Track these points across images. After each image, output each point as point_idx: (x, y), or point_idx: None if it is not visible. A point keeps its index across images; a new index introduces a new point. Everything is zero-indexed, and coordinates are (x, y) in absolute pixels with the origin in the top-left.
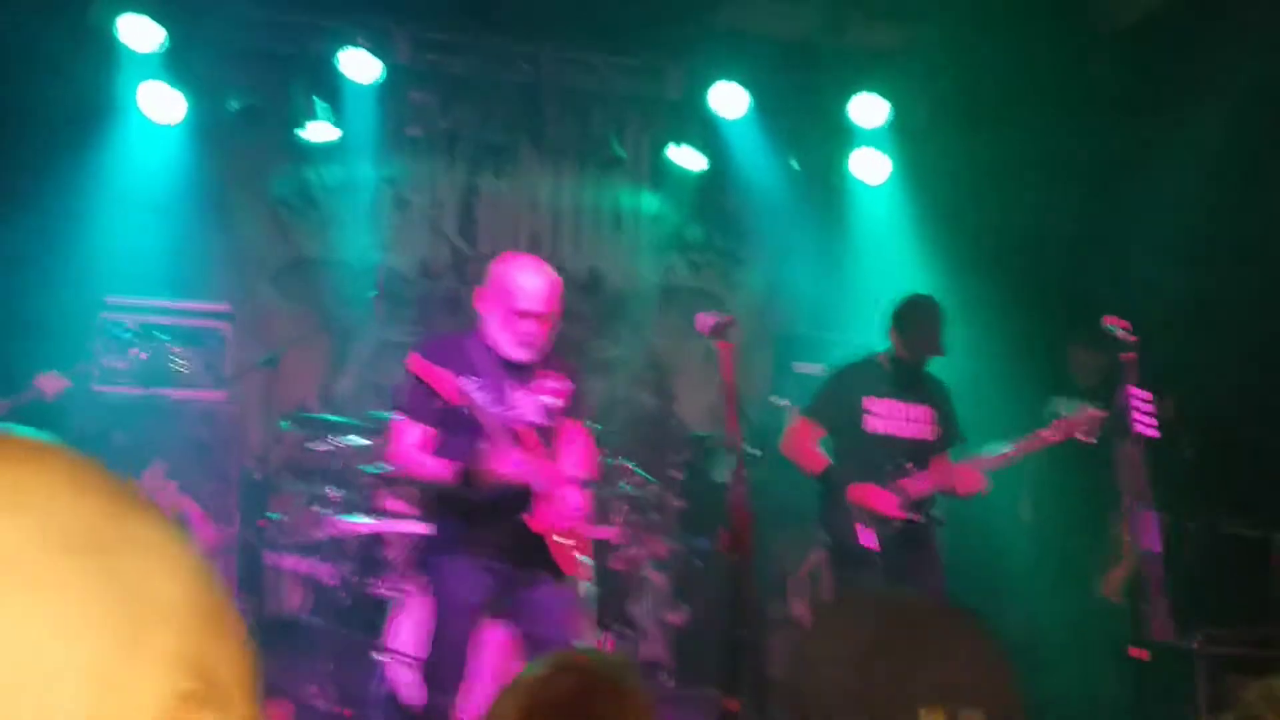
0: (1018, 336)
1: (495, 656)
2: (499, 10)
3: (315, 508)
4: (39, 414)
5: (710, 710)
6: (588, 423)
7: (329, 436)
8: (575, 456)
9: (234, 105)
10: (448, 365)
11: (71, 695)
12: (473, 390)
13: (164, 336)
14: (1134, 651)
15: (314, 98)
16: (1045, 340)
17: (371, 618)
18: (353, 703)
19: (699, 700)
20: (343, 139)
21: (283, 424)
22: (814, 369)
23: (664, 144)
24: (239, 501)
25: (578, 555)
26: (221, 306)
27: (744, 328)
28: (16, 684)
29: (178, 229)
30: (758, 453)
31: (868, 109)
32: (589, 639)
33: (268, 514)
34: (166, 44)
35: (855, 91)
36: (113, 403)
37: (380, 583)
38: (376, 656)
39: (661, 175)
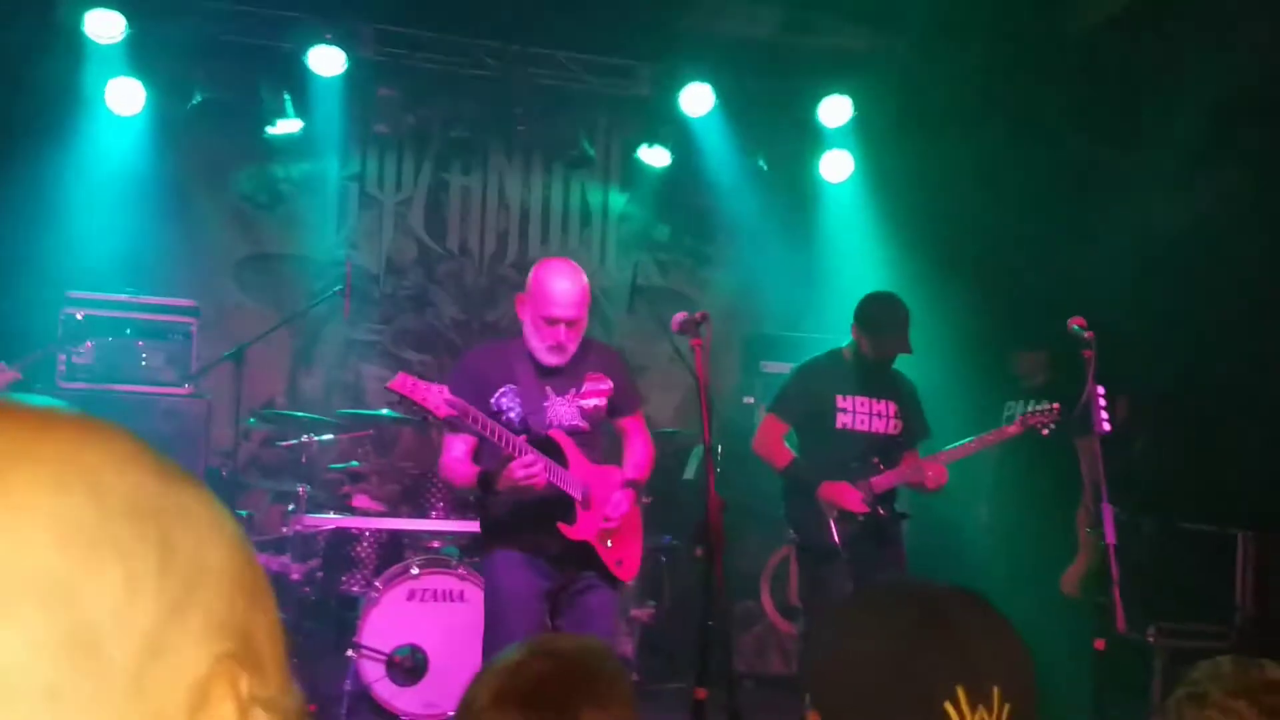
0: (975, 335)
1: None
2: (466, 7)
3: (283, 505)
4: None
5: (679, 704)
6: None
7: (297, 433)
8: (632, 458)
9: (198, 99)
10: (489, 374)
11: (125, 654)
12: (467, 405)
13: (128, 332)
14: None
15: (281, 92)
16: (1001, 340)
17: (340, 615)
18: (319, 699)
19: (668, 695)
20: (309, 134)
21: (250, 420)
22: (783, 368)
23: (633, 143)
24: None
25: (621, 560)
26: (186, 302)
27: (713, 327)
28: (74, 642)
29: (141, 223)
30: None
31: (833, 109)
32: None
33: (235, 511)
34: (127, 32)
35: (821, 92)
36: (76, 398)
37: (350, 580)
38: (348, 653)
39: (630, 174)
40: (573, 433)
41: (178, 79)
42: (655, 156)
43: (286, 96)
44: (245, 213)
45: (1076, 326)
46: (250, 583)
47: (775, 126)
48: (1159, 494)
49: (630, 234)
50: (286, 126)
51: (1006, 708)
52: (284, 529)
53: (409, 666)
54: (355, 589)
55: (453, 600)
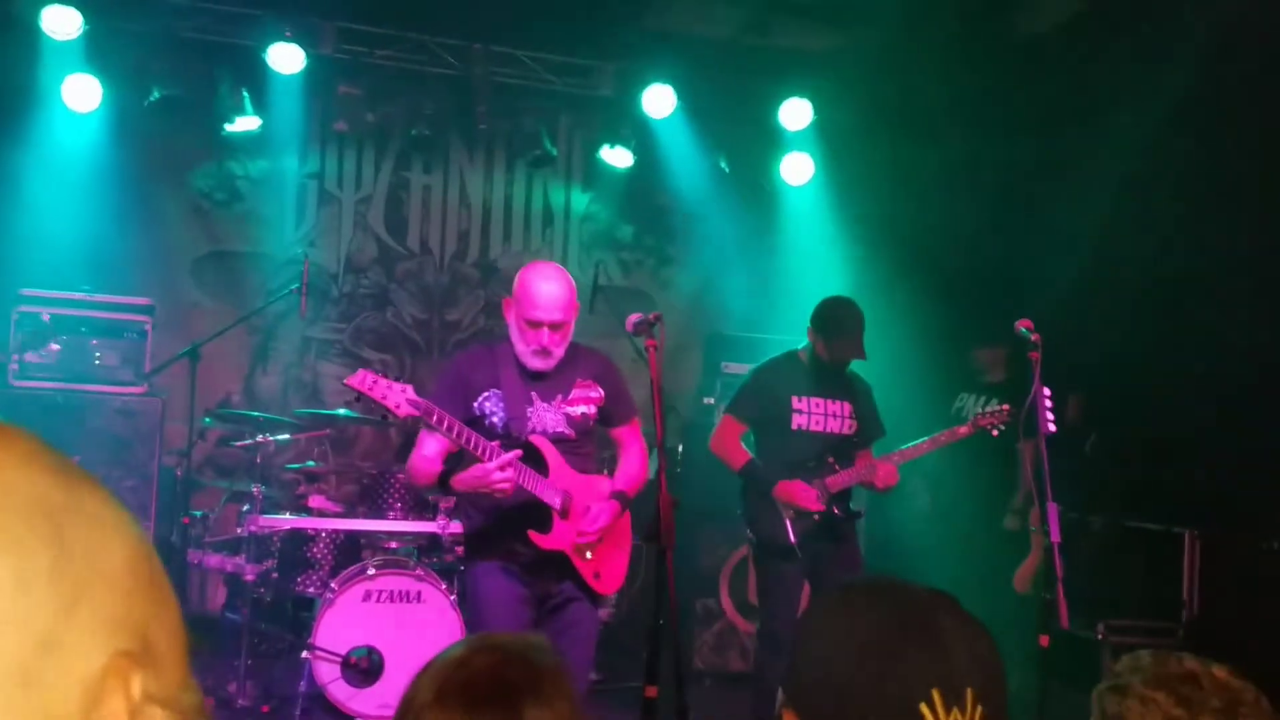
0: (934, 336)
1: None
2: (427, 5)
3: (238, 505)
4: None
5: (632, 702)
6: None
7: (253, 433)
8: (624, 469)
9: (155, 95)
10: (474, 377)
11: (13, 648)
12: (431, 405)
13: (82, 330)
14: (1042, 640)
15: (239, 90)
16: (959, 340)
17: (295, 615)
18: (273, 700)
19: (625, 694)
20: (267, 132)
21: (205, 420)
22: (743, 369)
23: (595, 142)
24: (158, 498)
25: (599, 573)
26: (141, 300)
27: (674, 328)
28: None
29: (98, 221)
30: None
31: (794, 112)
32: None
33: (190, 511)
34: (85, 28)
35: (782, 94)
36: (28, 397)
37: (306, 580)
38: (303, 654)
39: (592, 174)
40: (557, 440)
41: (135, 75)
42: (617, 157)
43: (245, 94)
44: (203, 210)
45: (1024, 329)
46: (150, 582)
47: (737, 128)
48: (1108, 493)
49: (593, 234)
50: (245, 124)
51: (979, 709)
52: (239, 529)
53: (364, 668)
54: (311, 590)
55: (409, 601)
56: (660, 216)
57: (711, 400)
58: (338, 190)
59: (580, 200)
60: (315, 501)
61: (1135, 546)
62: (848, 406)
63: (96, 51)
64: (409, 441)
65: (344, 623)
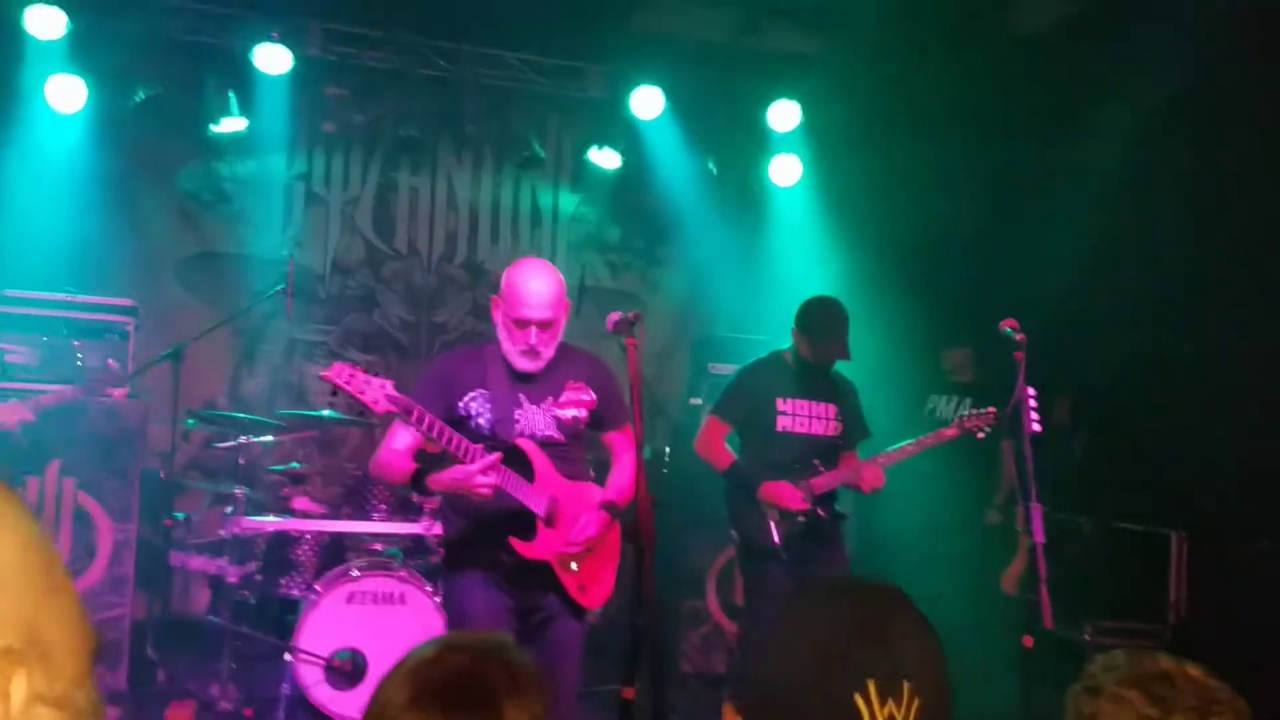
0: (921, 337)
1: None
2: (415, 6)
3: (222, 507)
4: None
5: (613, 705)
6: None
7: (237, 435)
8: (615, 477)
9: (140, 95)
10: (459, 376)
11: None
12: (410, 402)
13: (65, 331)
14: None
15: (226, 90)
16: (946, 341)
17: (278, 618)
18: (256, 703)
19: (606, 696)
20: (254, 133)
21: (189, 421)
22: (731, 370)
23: (583, 144)
24: (141, 500)
25: (584, 586)
26: (124, 301)
27: (662, 329)
28: None
29: (83, 222)
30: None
31: (782, 114)
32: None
33: (173, 513)
34: (69, 28)
35: (770, 95)
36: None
37: (289, 582)
38: (286, 657)
39: (581, 176)
40: (545, 444)
41: (120, 76)
42: (606, 159)
43: (231, 94)
44: (189, 211)
45: (1008, 329)
46: (42, 579)
47: (725, 130)
48: (1096, 494)
49: (581, 235)
50: (231, 125)
51: (916, 703)
52: (222, 531)
53: (348, 670)
54: (295, 592)
55: (393, 603)
56: (648, 218)
57: (699, 401)
58: (325, 191)
59: (568, 202)
60: (299, 503)
61: (1123, 548)
62: (832, 408)
63: (81, 52)
64: None
65: (327, 625)
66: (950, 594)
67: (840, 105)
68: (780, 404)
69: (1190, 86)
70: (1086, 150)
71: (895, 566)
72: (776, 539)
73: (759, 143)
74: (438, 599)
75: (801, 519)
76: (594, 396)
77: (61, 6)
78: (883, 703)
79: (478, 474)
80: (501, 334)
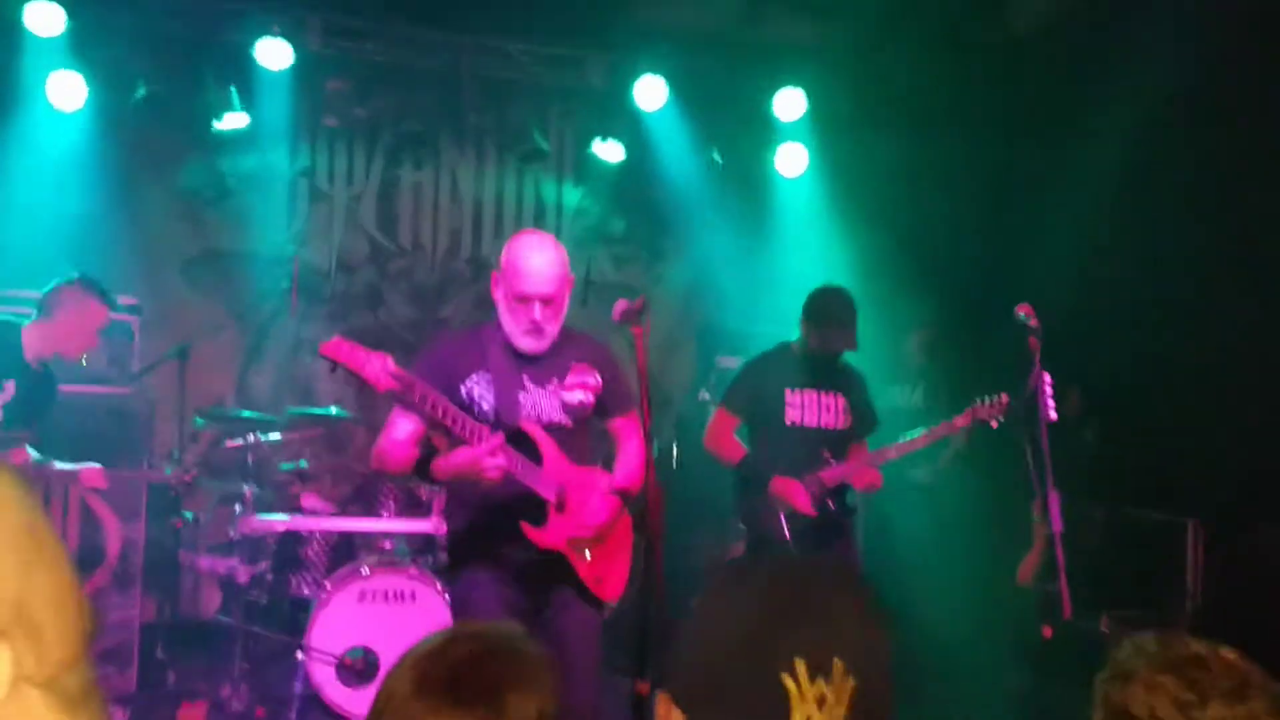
0: (930, 327)
1: None
2: None
3: (230, 506)
4: None
5: (622, 697)
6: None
7: (245, 433)
8: (623, 464)
9: (141, 92)
10: (458, 359)
11: None
12: (413, 379)
13: None
14: (1045, 631)
15: (227, 86)
16: (954, 331)
17: (289, 617)
18: (268, 702)
19: (611, 689)
20: (257, 128)
21: (197, 420)
22: (737, 362)
23: (586, 136)
24: (147, 500)
25: (601, 578)
26: (127, 299)
27: (668, 322)
28: None
29: (85, 220)
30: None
31: (788, 102)
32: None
33: (182, 513)
34: (68, 25)
35: (775, 84)
36: None
37: (300, 581)
38: (298, 656)
39: (584, 168)
40: (552, 428)
41: (121, 72)
42: (609, 150)
43: (233, 90)
44: (192, 208)
45: (1022, 314)
46: (29, 554)
47: (730, 120)
48: (1110, 484)
49: (585, 228)
50: (233, 120)
51: (850, 681)
52: (231, 531)
53: (360, 668)
54: (305, 591)
55: (404, 600)
56: (653, 210)
57: (706, 395)
58: (329, 187)
59: (572, 195)
60: (308, 501)
61: (1138, 537)
62: (841, 399)
63: (80, 48)
64: None
65: (338, 623)
66: (964, 585)
67: (846, 93)
68: (789, 395)
69: (1191, 79)
70: (1095, 139)
71: (906, 559)
72: (787, 533)
73: (764, 133)
74: (448, 596)
75: (813, 512)
76: (599, 380)
77: (60, 2)
78: (812, 680)
79: (485, 455)
80: (503, 313)
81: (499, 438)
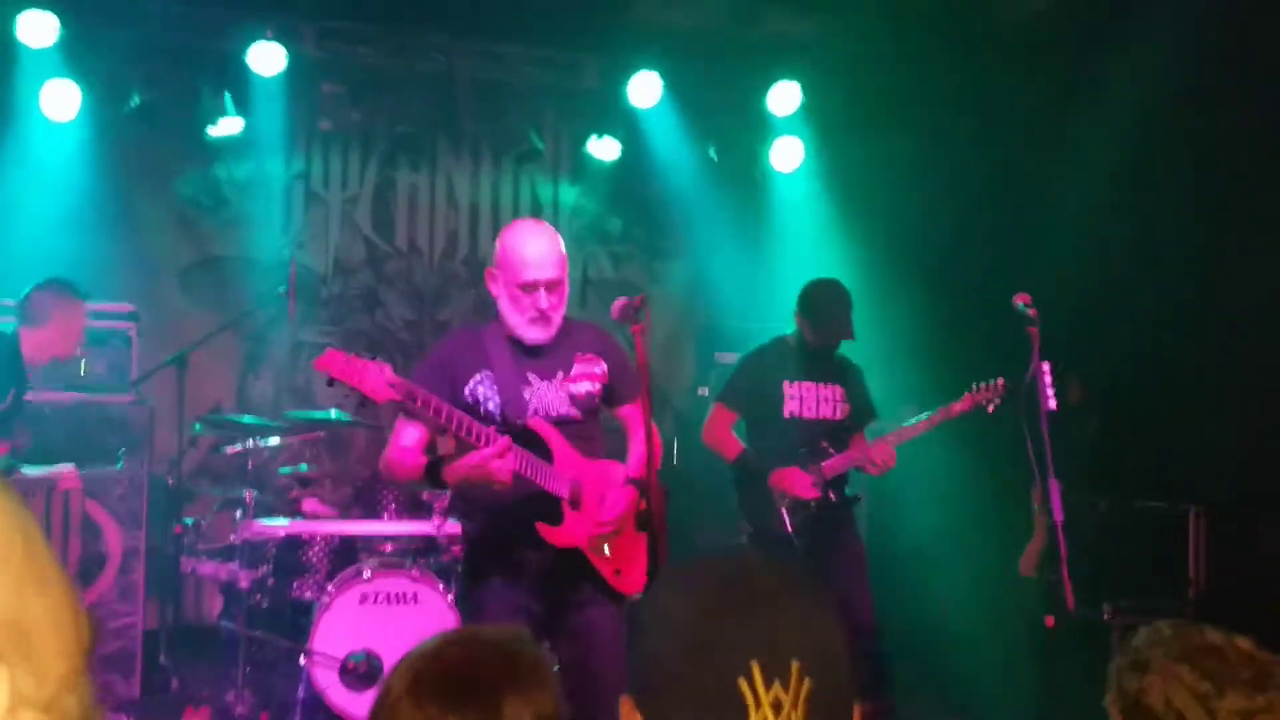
0: (927, 320)
1: None
2: (406, 1)
3: (231, 512)
4: None
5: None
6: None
7: (244, 439)
8: (635, 452)
9: (134, 101)
10: (461, 360)
11: None
12: (413, 387)
13: None
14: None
15: (221, 92)
16: (952, 323)
17: (291, 621)
18: (272, 707)
19: None
20: (251, 134)
21: (196, 427)
22: (736, 358)
23: (581, 135)
24: (148, 507)
25: (620, 570)
26: (124, 306)
27: (667, 320)
28: None
29: (82, 230)
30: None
31: (782, 96)
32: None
33: (182, 519)
34: (61, 35)
35: (769, 79)
36: None
37: (302, 585)
38: (301, 660)
39: (580, 167)
40: (561, 422)
41: (114, 81)
42: (605, 149)
43: (227, 96)
44: (189, 216)
45: (1021, 304)
46: (24, 570)
47: (725, 116)
48: (1111, 473)
49: (582, 228)
50: (228, 126)
51: (807, 683)
52: (232, 536)
53: (363, 672)
54: (307, 594)
55: (406, 602)
56: (649, 208)
57: (705, 391)
58: (324, 190)
59: (568, 194)
60: (309, 505)
61: (1140, 526)
62: (839, 390)
63: (74, 58)
64: None
65: (341, 627)
66: (966, 577)
67: (841, 87)
68: (786, 388)
69: (1191, 69)
70: (1092, 130)
71: (909, 550)
72: (789, 527)
73: (759, 128)
74: (450, 598)
75: (813, 506)
76: (605, 368)
77: (53, 11)
78: (768, 685)
79: (493, 457)
80: (504, 306)
81: (505, 439)
